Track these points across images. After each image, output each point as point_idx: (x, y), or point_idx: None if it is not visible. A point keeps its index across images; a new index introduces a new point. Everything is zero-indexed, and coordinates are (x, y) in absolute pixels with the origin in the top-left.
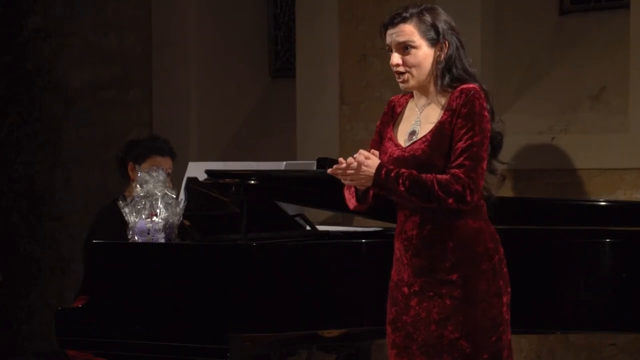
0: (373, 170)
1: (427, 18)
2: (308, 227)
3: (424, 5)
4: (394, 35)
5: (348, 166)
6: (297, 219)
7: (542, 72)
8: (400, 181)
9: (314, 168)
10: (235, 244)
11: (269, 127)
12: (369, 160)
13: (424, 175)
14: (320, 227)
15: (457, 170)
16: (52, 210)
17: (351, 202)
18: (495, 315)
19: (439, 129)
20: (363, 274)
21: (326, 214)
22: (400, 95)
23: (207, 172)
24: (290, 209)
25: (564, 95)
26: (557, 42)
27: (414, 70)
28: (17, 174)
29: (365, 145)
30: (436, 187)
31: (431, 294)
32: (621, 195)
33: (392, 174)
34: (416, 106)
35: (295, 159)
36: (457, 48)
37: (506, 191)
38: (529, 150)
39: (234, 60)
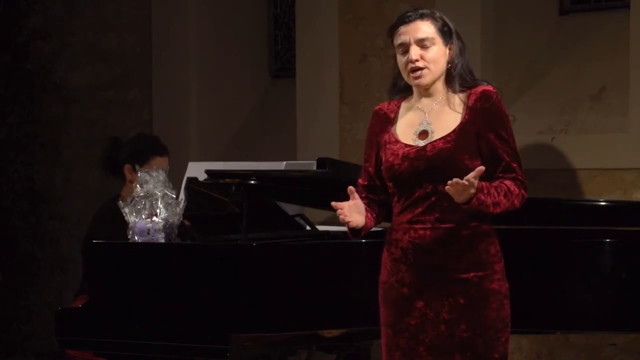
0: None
1: (439, 17)
2: (308, 227)
3: (430, 9)
4: (411, 32)
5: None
6: (297, 219)
7: (542, 72)
8: (486, 191)
9: (314, 168)
10: (235, 244)
11: (269, 127)
12: None
13: (494, 184)
14: (320, 227)
15: (511, 174)
16: (52, 210)
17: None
18: (505, 316)
19: (463, 129)
20: (363, 274)
21: (326, 214)
22: (387, 103)
23: (207, 172)
24: (290, 209)
25: (564, 95)
26: (557, 42)
27: (431, 66)
28: (17, 174)
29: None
30: (509, 193)
31: (443, 293)
32: (621, 195)
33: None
34: (418, 107)
35: (295, 159)
36: (463, 48)
37: None
38: (529, 150)
39: (234, 60)
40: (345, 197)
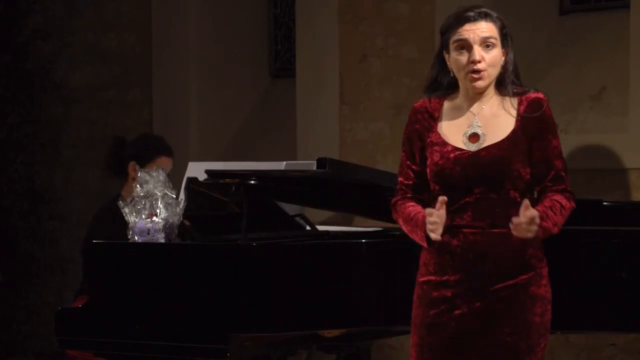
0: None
1: (498, 18)
2: (308, 227)
3: (488, 9)
4: (477, 30)
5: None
6: (297, 219)
7: (541, 72)
8: (545, 216)
9: (314, 168)
10: (235, 244)
11: (269, 127)
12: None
13: (547, 204)
14: (320, 227)
15: (560, 186)
16: (52, 210)
17: (417, 240)
18: (547, 321)
19: (515, 135)
20: (363, 274)
21: (326, 214)
22: (427, 100)
23: (207, 172)
24: (290, 209)
25: (564, 95)
26: (557, 42)
27: (490, 70)
28: (17, 174)
29: (365, 144)
30: (563, 209)
31: (490, 297)
32: (621, 196)
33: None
34: (466, 108)
35: (295, 159)
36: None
37: None
38: None
39: (234, 60)
40: (345, 197)
